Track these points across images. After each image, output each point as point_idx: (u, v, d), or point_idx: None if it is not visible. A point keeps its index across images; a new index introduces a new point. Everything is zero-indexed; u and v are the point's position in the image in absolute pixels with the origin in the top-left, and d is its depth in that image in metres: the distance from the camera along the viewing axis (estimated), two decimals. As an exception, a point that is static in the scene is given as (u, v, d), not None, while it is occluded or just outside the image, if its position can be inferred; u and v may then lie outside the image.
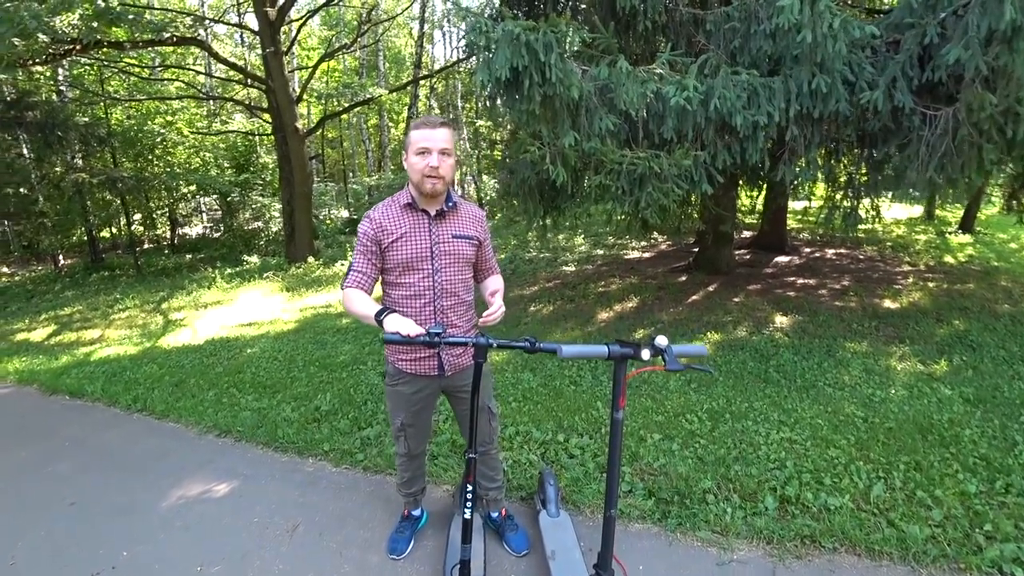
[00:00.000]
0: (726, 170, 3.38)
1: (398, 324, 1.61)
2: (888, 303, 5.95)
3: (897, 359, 4.55)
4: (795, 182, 3.44)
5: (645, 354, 1.45)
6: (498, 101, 3.26)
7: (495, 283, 2.09)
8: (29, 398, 5.07)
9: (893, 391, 3.92)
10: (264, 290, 9.70)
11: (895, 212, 12.75)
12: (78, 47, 7.75)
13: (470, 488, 1.74)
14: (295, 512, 2.81)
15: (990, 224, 11.61)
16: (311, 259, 11.86)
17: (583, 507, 2.67)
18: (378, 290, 2.02)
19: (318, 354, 5.39)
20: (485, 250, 2.10)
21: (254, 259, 13.97)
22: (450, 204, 1.94)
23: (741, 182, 5.32)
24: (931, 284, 6.58)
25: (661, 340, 1.46)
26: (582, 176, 3.55)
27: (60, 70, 14.20)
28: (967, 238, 9.92)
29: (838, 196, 4.21)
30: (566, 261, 9.25)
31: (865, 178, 3.76)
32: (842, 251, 8.97)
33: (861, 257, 8.49)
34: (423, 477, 2.41)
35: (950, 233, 10.34)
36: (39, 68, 12.88)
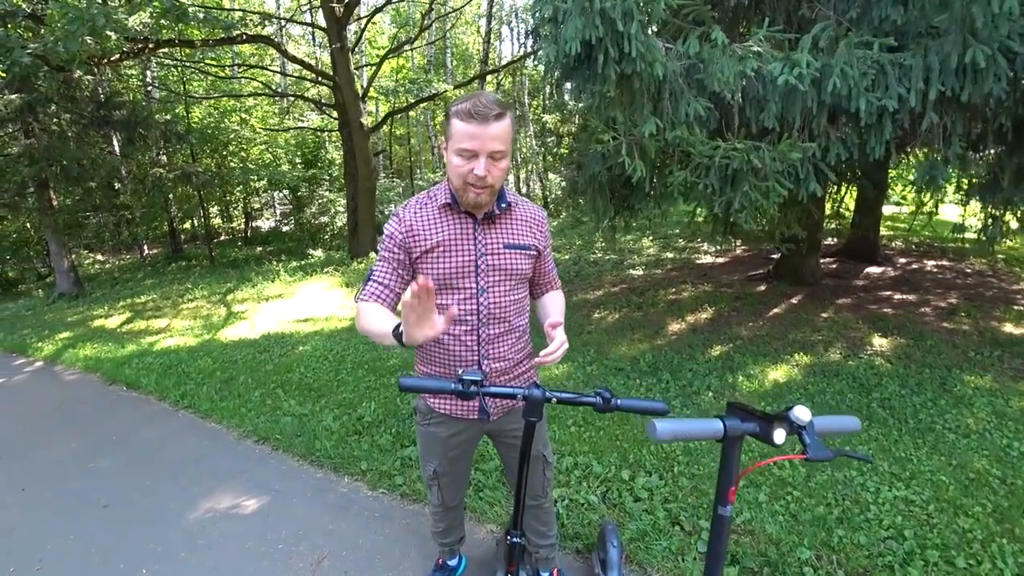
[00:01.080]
0: (838, 166, 2.80)
1: (419, 334, 1.16)
2: (1009, 328, 5.07)
3: (1033, 400, 3.77)
4: (925, 183, 2.80)
5: (779, 436, 0.96)
6: (567, 85, 2.83)
7: (554, 304, 1.66)
8: (90, 386, 5.15)
9: (1035, 443, 3.21)
10: (325, 285, 9.74)
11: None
12: (150, 46, 8.01)
13: (512, 582, 1.34)
14: (322, 542, 2.53)
15: None
16: (373, 255, 11.88)
17: (650, 570, 2.22)
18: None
19: (368, 356, 5.18)
20: (544, 261, 1.66)
21: (318, 253, 14.23)
22: (503, 205, 1.50)
23: (842, 181, 4.60)
24: (1062, 307, 5.60)
25: (801, 413, 0.97)
26: (662, 171, 3.05)
27: (148, 72, 15.06)
28: (1101, 253, 8.49)
29: (971, 201, 3.47)
30: (633, 264, 8.70)
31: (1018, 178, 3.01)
32: (944, 263, 7.91)
33: (968, 271, 7.43)
34: (461, 526, 2.04)
35: (1078, 247, 8.90)
36: (130, 71, 13.72)
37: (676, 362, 4.57)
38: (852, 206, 8.19)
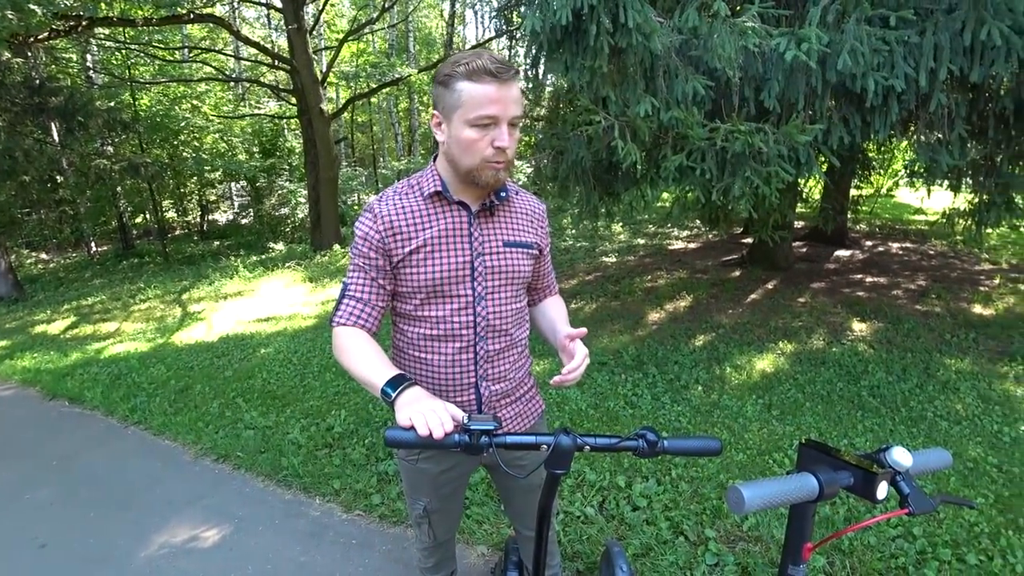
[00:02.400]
0: (840, 150, 2.65)
1: (414, 408, 0.95)
2: (979, 309, 5.15)
3: (1012, 382, 3.79)
4: (925, 166, 2.68)
5: (882, 490, 0.75)
6: (544, 63, 2.58)
7: (557, 312, 1.43)
8: (29, 403, 4.69)
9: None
10: (286, 280, 9.29)
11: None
12: (84, 23, 7.32)
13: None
14: (294, 577, 2.27)
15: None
16: (337, 247, 11.42)
17: (661, 592, 2.05)
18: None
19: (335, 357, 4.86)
20: (545, 262, 1.44)
21: (279, 246, 13.65)
22: (503, 194, 1.26)
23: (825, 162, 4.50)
24: (1023, 286, 5.72)
25: (902, 457, 0.76)
26: (653, 155, 2.84)
27: (88, 55, 14.02)
28: (1047, 230, 8.74)
29: (967, 189, 3.37)
30: (605, 251, 8.55)
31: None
32: (908, 245, 8.08)
33: (932, 252, 7.59)
34: (453, 559, 1.81)
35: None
36: (68, 54, 12.74)
37: (660, 354, 4.43)
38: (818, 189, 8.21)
